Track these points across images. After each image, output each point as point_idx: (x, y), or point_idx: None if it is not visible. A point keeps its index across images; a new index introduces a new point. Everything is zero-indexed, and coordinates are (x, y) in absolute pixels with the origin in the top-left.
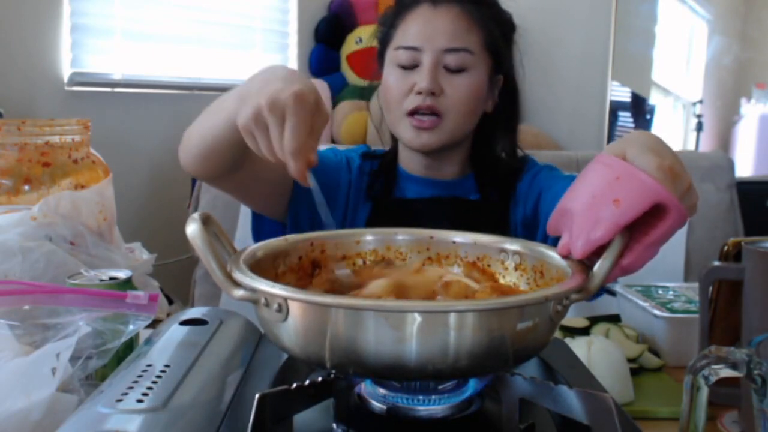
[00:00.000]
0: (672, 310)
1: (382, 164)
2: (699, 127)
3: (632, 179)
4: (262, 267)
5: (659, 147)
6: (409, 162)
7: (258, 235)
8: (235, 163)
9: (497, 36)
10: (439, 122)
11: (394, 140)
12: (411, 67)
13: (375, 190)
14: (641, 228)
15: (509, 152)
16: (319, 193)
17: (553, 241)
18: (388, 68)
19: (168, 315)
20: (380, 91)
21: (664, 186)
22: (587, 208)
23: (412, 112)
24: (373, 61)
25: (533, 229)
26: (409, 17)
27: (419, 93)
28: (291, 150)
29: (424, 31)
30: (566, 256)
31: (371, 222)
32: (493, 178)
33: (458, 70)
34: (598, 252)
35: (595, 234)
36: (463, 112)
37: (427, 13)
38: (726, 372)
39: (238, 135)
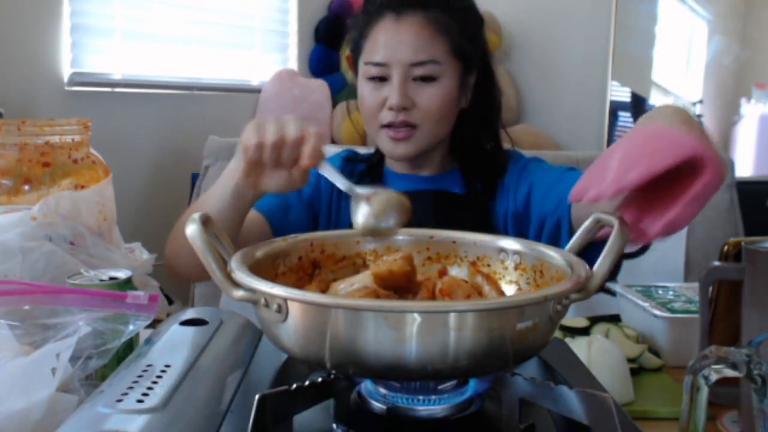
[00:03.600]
0: (672, 310)
1: (369, 166)
2: None
3: (669, 135)
4: (261, 267)
5: (687, 119)
6: (394, 163)
7: None
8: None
9: (464, 39)
10: (414, 132)
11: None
12: (381, 79)
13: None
14: (677, 187)
15: (492, 144)
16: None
17: (550, 241)
18: (360, 81)
19: (168, 315)
20: (358, 101)
21: (700, 142)
22: (623, 157)
23: (387, 125)
24: None
25: (525, 222)
26: (375, 29)
27: (391, 108)
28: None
29: (389, 47)
30: (592, 201)
31: None
32: (477, 170)
33: (427, 80)
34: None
35: (629, 176)
36: (437, 120)
37: (391, 25)
38: (726, 372)
39: (243, 203)
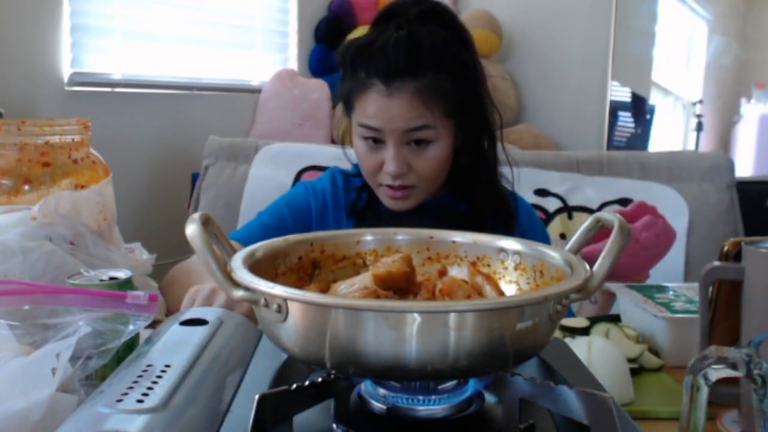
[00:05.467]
0: (672, 310)
1: (366, 184)
2: (699, 127)
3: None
4: (261, 267)
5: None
6: None
7: None
8: None
9: (457, 99)
10: (412, 191)
11: None
12: (376, 140)
13: (359, 204)
14: None
15: (489, 182)
16: None
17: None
18: (355, 137)
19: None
20: (354, 151)
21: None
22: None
23: (386, 185)
24: None
25: None
26: (364, 96)
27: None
28: None
29: (381, 116)
30: None
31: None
32: (477, 194)
33: (422, 143)
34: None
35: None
36: (433, 179)
37: (381, 97)
38: (726, 372)
39: None
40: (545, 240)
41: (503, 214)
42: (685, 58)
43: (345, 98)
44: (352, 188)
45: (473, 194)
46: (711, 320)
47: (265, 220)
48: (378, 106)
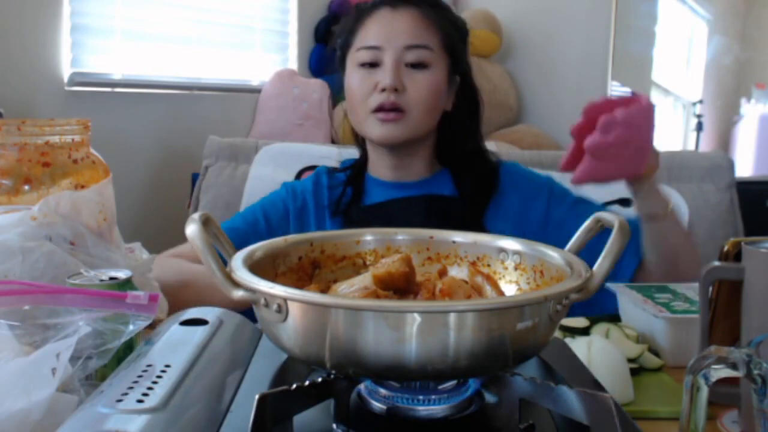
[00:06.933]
0: (672, 310)
1: (351, 175)
2: (699, 127)
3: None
4: (261, 267)
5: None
6: (378, 165)
7: None
8: None
9: (454, 36)
10: (403, 116)
11: (363, 147)
12: (373, 65)
13: (343, 201)
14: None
15: (475, 151)
16: None
17: (553, 241)
18: (350, 70)
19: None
20: (346, 94)
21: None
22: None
23: (377, 109)
24: None
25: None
26: (368, 21)
27: (383, 90)
28: None
29: (385, 32)
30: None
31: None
32: (465, 171)
33: (419, 66)
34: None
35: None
36: (425, 108)
37: (387, 15)
38: (726, 372)
39: None
40: (567, 195)
41: (486, 182)
42: (685, 58)
43: (344, 39)
44: (337, 184)
45: (459, 161)
46: (711, 320)
47: (235, 223)
48: (383, 22)
